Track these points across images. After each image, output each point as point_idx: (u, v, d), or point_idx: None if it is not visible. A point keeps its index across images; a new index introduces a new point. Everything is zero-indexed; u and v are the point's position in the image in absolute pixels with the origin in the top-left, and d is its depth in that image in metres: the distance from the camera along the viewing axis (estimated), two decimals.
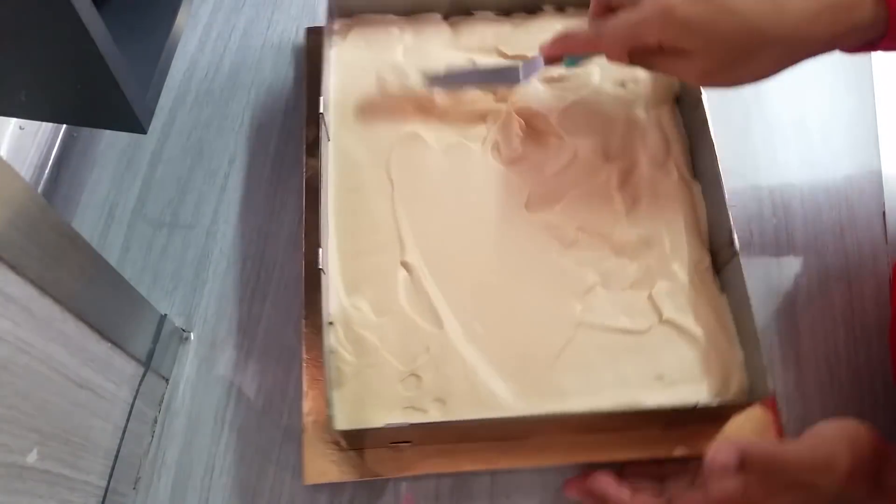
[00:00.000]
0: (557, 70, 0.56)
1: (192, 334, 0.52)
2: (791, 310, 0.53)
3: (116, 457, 0.45)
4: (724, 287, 0.49)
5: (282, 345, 0.52)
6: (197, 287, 0.54)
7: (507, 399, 0.46)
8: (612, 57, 0.47)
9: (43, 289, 0.35)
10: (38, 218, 0.35)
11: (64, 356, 0.38)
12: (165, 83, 0.50)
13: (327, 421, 0.43)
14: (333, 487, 0.48)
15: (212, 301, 0.54)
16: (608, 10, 0.46)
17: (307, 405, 0.48)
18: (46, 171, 0.57)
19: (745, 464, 0.38)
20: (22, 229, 0.33)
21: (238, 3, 0.65)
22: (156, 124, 0.59)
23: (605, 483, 0.43)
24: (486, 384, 0.46)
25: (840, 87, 0.62)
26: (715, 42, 0.41)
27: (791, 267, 0.55)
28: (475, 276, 0.49)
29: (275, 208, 0.56)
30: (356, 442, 0.46)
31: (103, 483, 0.44)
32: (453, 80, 0.54)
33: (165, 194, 0.57)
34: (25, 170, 0.55)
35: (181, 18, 0.51)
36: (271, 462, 0.49)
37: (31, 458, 0.36)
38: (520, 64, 0.52)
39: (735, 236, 0.46)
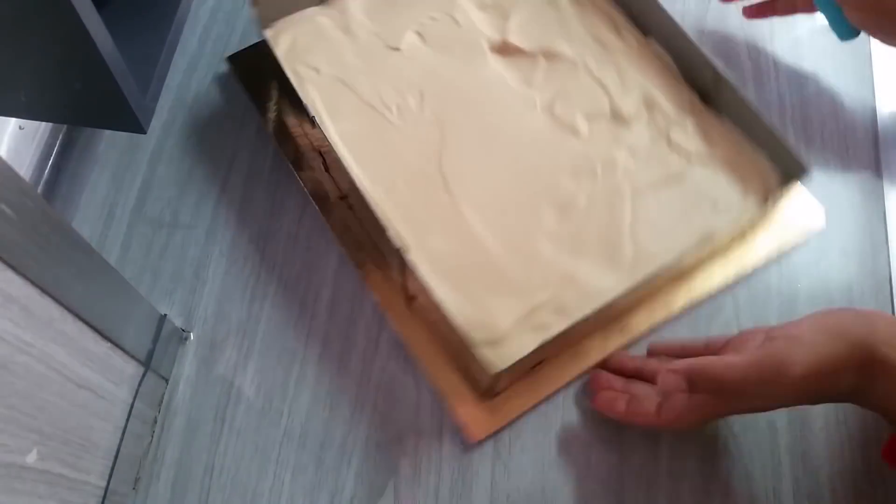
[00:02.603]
0: None
1: (191, 334, 0.52)
2: (793, 314, 0.53)
3: (116, 457, 0.45)
4: (720, 112, 0.55)
5: (282, 345, 0.52)
6: (197, 287, 0.54)
7: (605, 283, 0.49)
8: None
9: (43, 289, 0.35)
10: (38, 218, 0.35)
11: (64, 356, 0.38)
12: (165, 83, 0.51)
13: (477, 371, 0.46)
14: (333, 487, 0.48)
15: (212, 301, 0.54)
16: None
17: (435, 374, 0.49)
18: (46, 171, 0.57)
19: (694, 385, 0.40)
20: (22, 229, 0.33)
21: (238, 4, 0.65)
22: (155, 124, 0.59)
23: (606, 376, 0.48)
24: (585, 278, 0.50)
25: (840, 80, 0.62)
26: None
27: (791, 269, 0.55)
28: (521, 181, 0.54)
29: (274, 208, 0.56)
30: (500, 383, 0.47)
31: (103, 483, 0.44)
32: None
33: (165, 194, 0.57)
34: (25, 170, 0.55)
35: (181, 18, 0.51)
36: (271, 462, 0.49)
37: (31, 458, 0.36)
38: None
39: (714, 62, 0.52)
